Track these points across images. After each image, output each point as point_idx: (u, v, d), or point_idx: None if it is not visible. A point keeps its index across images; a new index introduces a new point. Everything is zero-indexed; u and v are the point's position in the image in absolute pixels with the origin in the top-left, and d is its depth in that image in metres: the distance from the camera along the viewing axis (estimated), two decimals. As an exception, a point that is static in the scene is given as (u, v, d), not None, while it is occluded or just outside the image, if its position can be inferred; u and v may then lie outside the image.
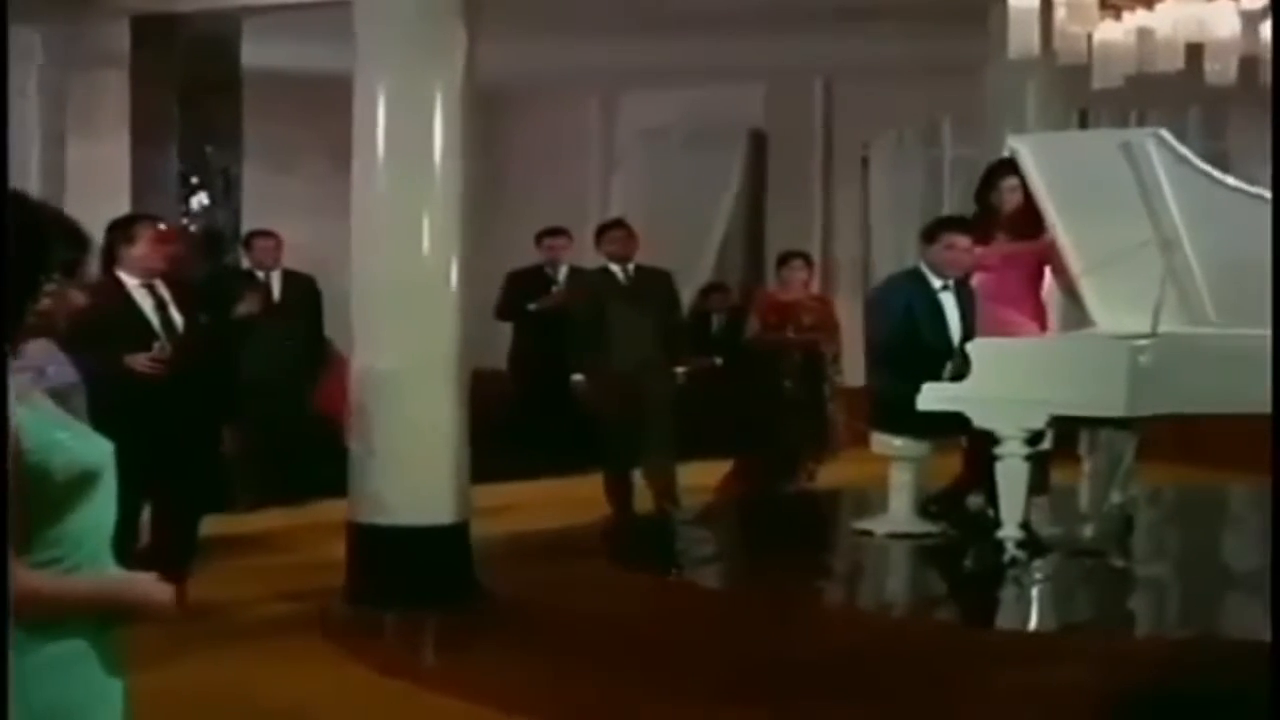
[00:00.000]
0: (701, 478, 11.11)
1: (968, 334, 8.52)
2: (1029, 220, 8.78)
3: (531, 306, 12.83)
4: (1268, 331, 7.35)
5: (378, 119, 8.16)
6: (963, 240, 8.70)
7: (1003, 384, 7.84)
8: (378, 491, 8.28)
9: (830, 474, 11.18)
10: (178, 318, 8.10)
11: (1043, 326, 9.06)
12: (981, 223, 9.04)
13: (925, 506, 8.89)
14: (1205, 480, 11.28)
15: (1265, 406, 7.47)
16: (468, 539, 8.41)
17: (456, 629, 7.82)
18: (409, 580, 8.10)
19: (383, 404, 8.24)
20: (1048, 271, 9.00)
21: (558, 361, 10.73)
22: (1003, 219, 9.00)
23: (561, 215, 13.70)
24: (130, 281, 8.03)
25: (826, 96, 15.88)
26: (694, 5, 12.07)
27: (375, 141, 8.19)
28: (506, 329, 13.24)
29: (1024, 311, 8.95)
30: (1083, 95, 11.00)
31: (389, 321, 8.26)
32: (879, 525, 8.88)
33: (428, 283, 8.22)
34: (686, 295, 14.47)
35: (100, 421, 3.48)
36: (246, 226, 12.32)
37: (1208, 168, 8.05)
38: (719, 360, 13.27)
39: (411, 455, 8.21)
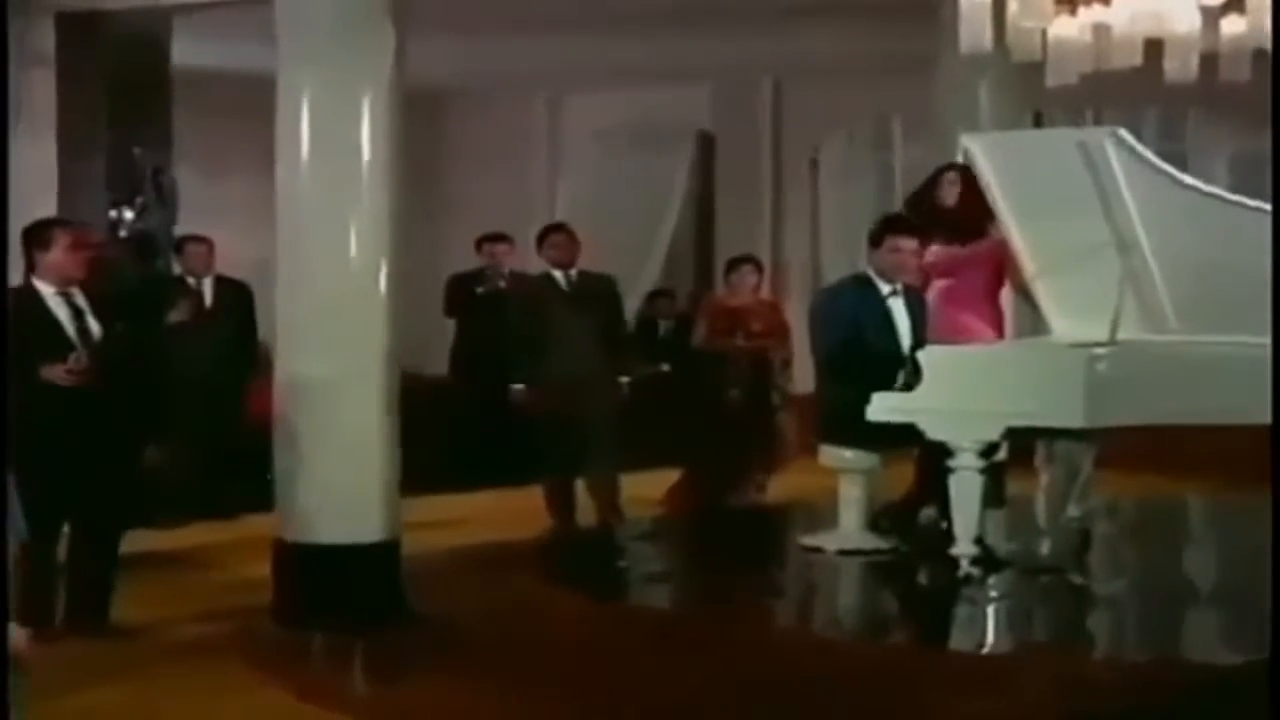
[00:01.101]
0: (648, 489, 10.89)
1: (919, 341, 8.26)
2: (969, 220, 8.50)
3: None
4: (1233, 338, 7.26)
5: (302, 120, 7.90)
6: (909, 243, 8.44)
7: (955, 394, 7.58)
8: (303, 507, 7.99)
9: (781, 485, 10.96)
10: (95, 327, 7.74)
11: (1000, 332, 8.83)
12: (931, 225, 8.84)
13: (876, 521, 8.62)
14: (1164, 489, 11.07)
15: (1229, 417, 7.34)
16: (398, 557, 8.13)
17: (384, 653, 7.52)
18: (336, 601, 7.83)
19: (308, 415, 7.96)
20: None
21: (499, 368, 10.48)
22: (941, 218, 8.81)
23: (507, 218, 13.50)
24: (46, 290, 7.69)
25: (775, 97, 15.77)
26: (640, 3, 11.93)
27: (299, 143, 7.93)
28: (448, 334, 13.02)
29: (981, 317, 8.75)
30: (1037, 95, 10.86)
31: (314, 328, 7.99)
32: (829, 541, 8.60)
33: (355, 287, 7.94)
34: (633, 301, 14.60)
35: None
36: (183, 230, 12.03)
37: (1167, 167, 7.81)
38: (666, 367, 13.22)
39: (338, 469, 7.92)
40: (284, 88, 7.98)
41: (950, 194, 8.76)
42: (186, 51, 12.10)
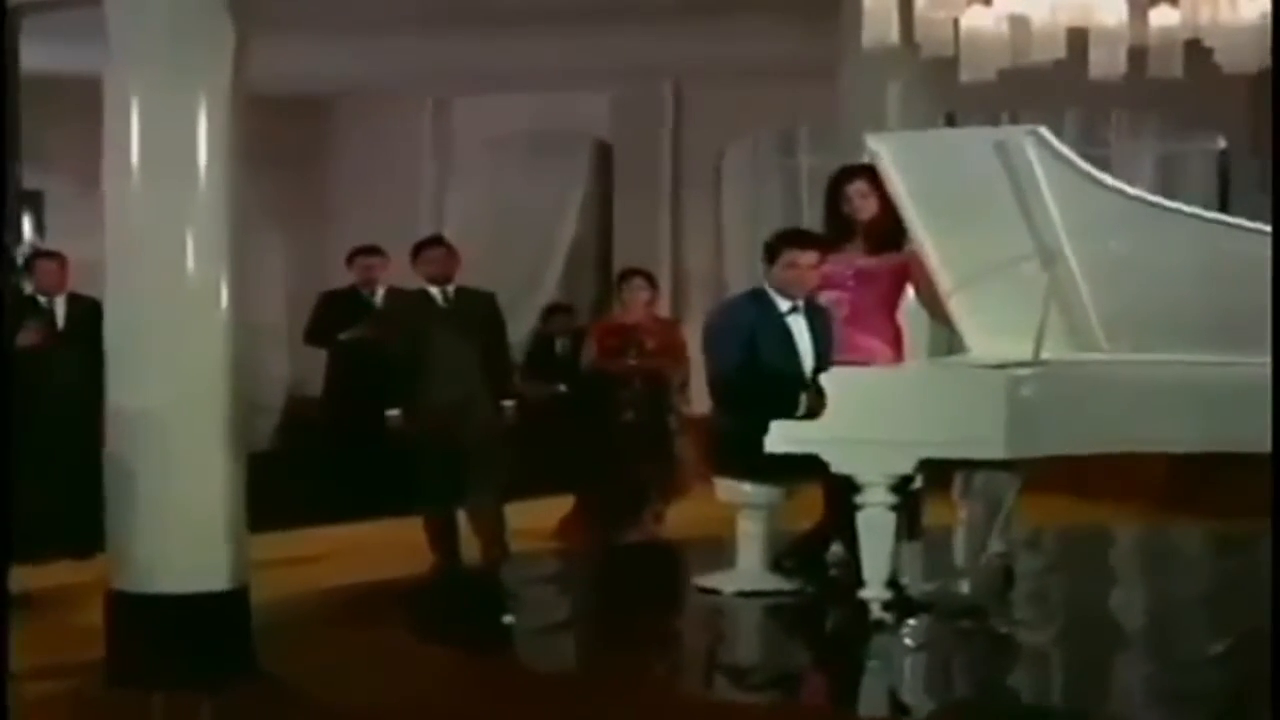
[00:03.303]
0: (540, 519, 10.41)
1: (822, 363, 7.63)
2: (889, 230, 7.90)
3: (342, 336, 12.02)
4: (1173, 357, 6.78)
5: (131, 124, 7.26)
6: (806, 257, 7.81)
7: (863, 422, 6.90)
8: (138, 554, 7.31)
9: (680, 516, 10.34)
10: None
11: (897, 352, 8.24)
12: (835, 236, 8.22)
13: (779, 560, 8.00)
14: (1084, 515, 10.56)
15: (1173, 445, 6.82)
16: (247, 606, 7.47)
17: (230, 714, 6.98)
18: (176, 657, 7.18)
19: (140, 449, 7.29)
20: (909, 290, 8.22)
21: (376, 392, 9.86)
22: (859, 230, 8.16)
23: (393, 230, 12.95)
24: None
25: (676, 101, 15.36)
26: (533, 1, 11.53)
27: (129, 149, 7.28)
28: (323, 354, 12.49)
29: (881, 336, 8.15)
30: (950, 96, 10.50)
31: (146, 351, 7.33)
32: (726, 582, 7.95)
33: (192, 305, 7.31)
34: (529, 316, 14.56)
35: None
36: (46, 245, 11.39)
37: (1093, 170, 7.16)
38: (563, 388, 12.77)
39: (176, 510, 7.24)
40: (111, 88, 7.38)
41: (862, 205, 8.05)
42: (39, 56, 11.56)
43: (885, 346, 8.11)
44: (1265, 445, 6.44)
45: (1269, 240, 6.78)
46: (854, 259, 8.11)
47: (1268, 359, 6.44)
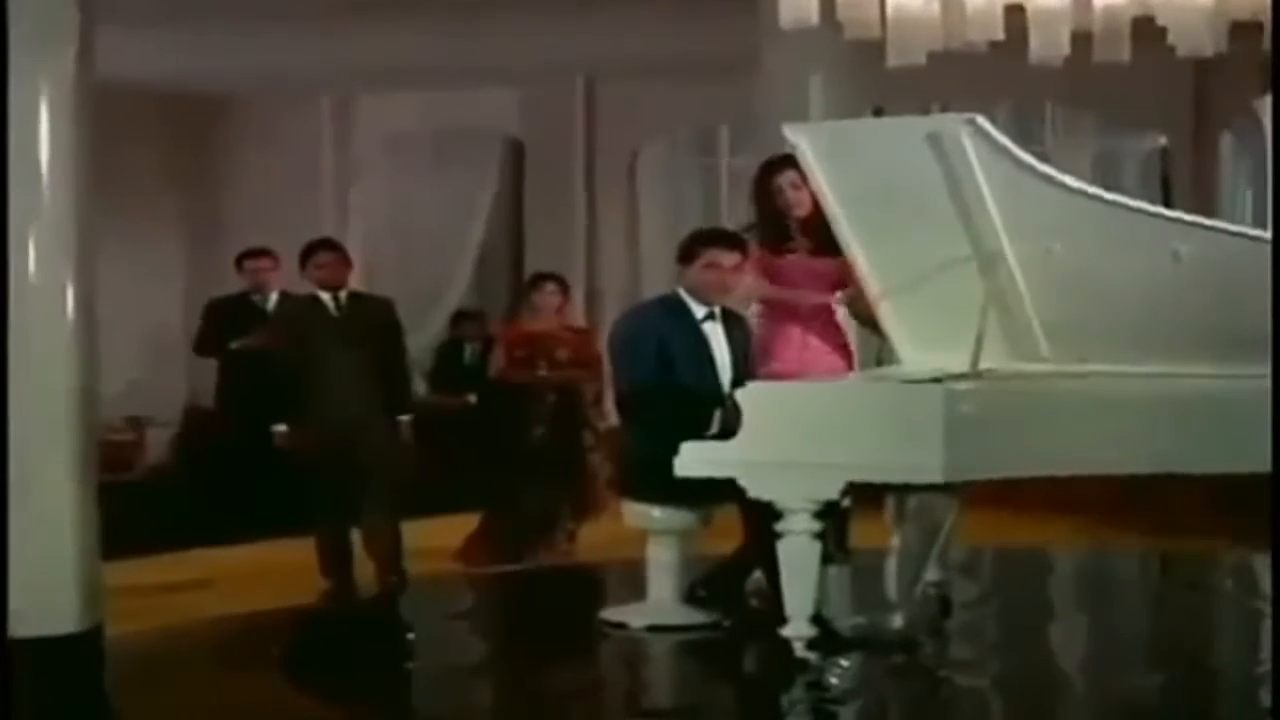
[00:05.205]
0: (445, 537, 9.84)
1: (741, 376, 7.10)
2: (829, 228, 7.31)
3: (234, 345, 11.39)
4: (1122, 369, 6.28)
5: None
6: (727, 258, 7.35)
7: (784, 442, 6.24)
8: None
9: (598, 535, 9.80)
10: None
11: (849, 363, 7.83)
12: (770, 235, 7.76)
13: (693, 589, 7.49)
14: (1023, 533, 9.99)
15: (1122, 467, 6.18)
16: (99, 650, 6.87)
17: None
18: (20, 707, 6.26)
19: None
20: None
21: (268, 405, 9.28)
22: (798, 227, 7.64)
23: (294, 234, 12.21)
24: None
25: (588, 98, 14.87)
26: None
27: None
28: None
29: (840, 348, 7.81)
30: (877, 87, 10.08)
31: None
32: (635, 616, 7.43)
33: (34, 315, 6.71)
34: (438, 323, 14.34)
35: None
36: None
37: (1037, 163, 6.54)
38: (473, 398, 12.41)
39: (16, 545, 6.49)
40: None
41: (796, 198, 7.51)
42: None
43: (832, 354, 7.75)
44: (1228, 466, 6.02)
45: (1234, 242, 6.31)
46: (807, 261, 7.69)
47: (1234, 372, 6.00)
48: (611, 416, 9.59)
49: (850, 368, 7.82)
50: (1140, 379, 6.29)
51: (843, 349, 7.88)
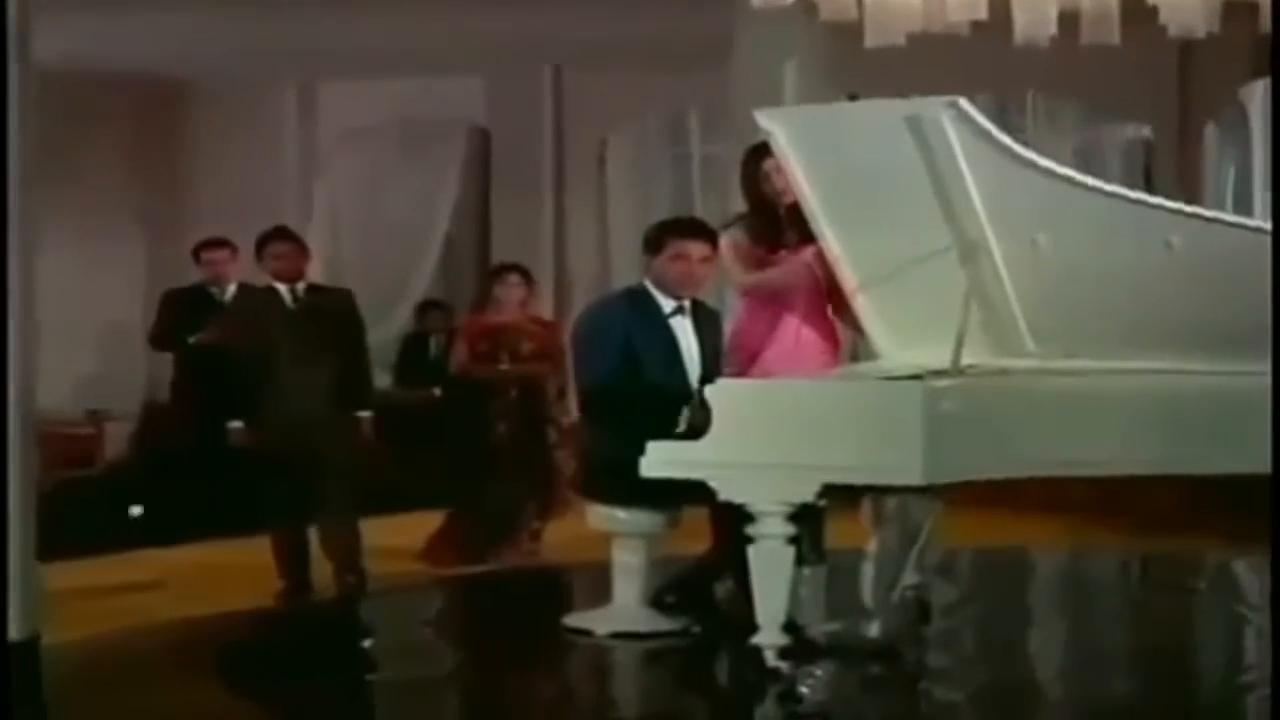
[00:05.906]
0: (406, 536, 9.66)
1: (710, 373, 6.88)
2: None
3: (191, 340, 11.20)
4: (1111, 365, 6.06)
5: None
6: (698, 248, 7.16)
7: (756, 442, 6.00)
8: None
9: (564, 534, 9.57)
10: None
11: (835, 354, 7.60)
12: (763, 229, 7.52)
13: (660, 594, 7.28)
14: (1004, 531, 9.80)
15: (1111, 467, 6.02)
16: (36, 661, 6.62)
17: None
18: None
19: None
20: None
21: (224, 400, 9.05)
22: (787, 214, 7.37)
23: (255, 224, 12.00)
24: None
25: (556, 86, 14.71)
26: None
27: None
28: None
29: (819, 333, 7.52)
30: (852, 76, 9.96)
31: None
32: (599, 622, 7.20)
33: None
34: (403, 314, 14.19)
35: None
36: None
37: (1021, 149, 6.30)
38: (438, 391, 12.23)
39: None
40: None
41: (784, 184, 7.26)
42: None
43: (822, 342, 7.51)
44: (1224, 467, 5.87)
45: (1229, 232, 6.11)
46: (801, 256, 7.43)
47: (1229, 368, 5.81)
48: (575, 412, 9.47)
49: (837, 362, 7.59)
50: (1131, 375, 6.09)
51: (832, 341, 7.66)
